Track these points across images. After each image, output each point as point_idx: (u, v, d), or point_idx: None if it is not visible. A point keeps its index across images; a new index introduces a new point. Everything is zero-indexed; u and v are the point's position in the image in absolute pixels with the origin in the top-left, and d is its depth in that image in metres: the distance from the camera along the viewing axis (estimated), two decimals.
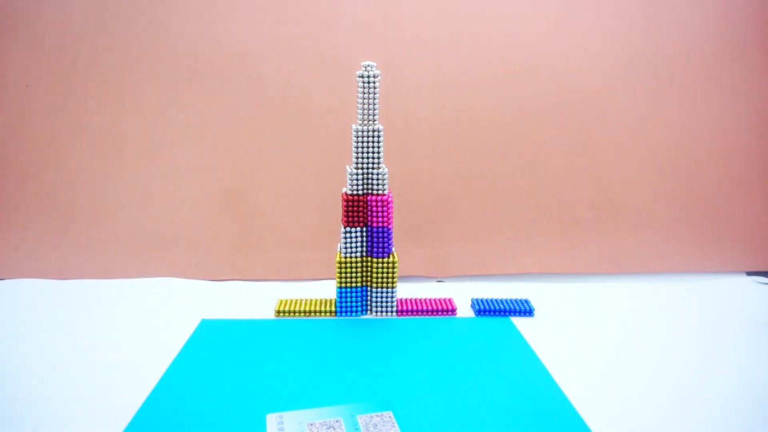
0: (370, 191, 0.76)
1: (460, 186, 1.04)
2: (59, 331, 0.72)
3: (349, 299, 0.78)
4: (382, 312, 0.79)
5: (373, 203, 0.75)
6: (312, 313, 0.78)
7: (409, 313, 0.79)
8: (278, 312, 0.78)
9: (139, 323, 0.75)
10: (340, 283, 0.77)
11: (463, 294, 0.85)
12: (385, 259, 0.77)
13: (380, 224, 0.75)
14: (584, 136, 1.06)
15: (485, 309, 0.79)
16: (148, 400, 0.57)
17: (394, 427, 0.52)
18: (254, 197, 1.03)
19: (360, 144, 0.74)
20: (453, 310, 0.79)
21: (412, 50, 1.06)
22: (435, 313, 0.79)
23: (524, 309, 0.79)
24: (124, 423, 0.53)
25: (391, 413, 0.54)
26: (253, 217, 1.02)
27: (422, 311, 0.79)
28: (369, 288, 0.79)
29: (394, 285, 0.78)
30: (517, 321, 0.77)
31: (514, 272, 0.98)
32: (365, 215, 0.76)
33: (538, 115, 1.06)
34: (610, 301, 0.85)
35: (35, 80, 1.05)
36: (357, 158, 0.75)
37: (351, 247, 0.77)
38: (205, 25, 1.06)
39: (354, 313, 0.78)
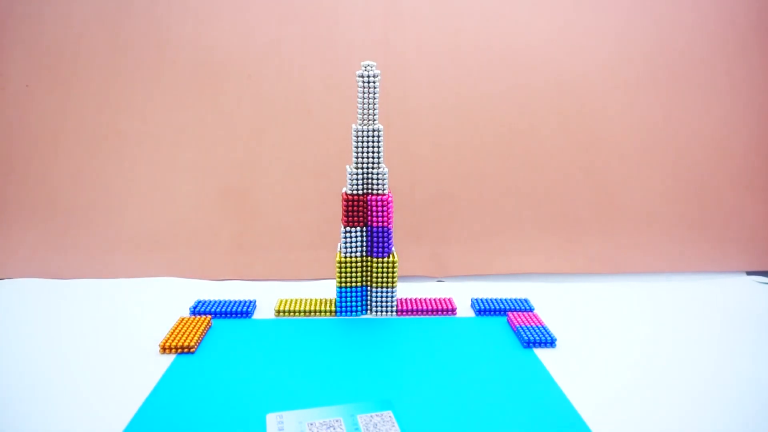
0: (370, 191, 0.76)
1: (460, 186, 1.04)
2: (59, 330, 0.72)
3: (349, 299, 0.78)
4: (382, 312, 0.79)
5: (373, 203, 0.75)
6: (312, 313, 0.78)
7: (409, 313, 0.79)
8: (278, 312, 0.78)
9: (139, 323, 0.75)
10: (340, 282, 0.77)
11: (463, 294, 0.85)
12: (385, 259, 0.77)
13: (380, 224, 0.75)
14: (584, 136, 1.06)
15: (485, 309, 0.79)
16: (147, 400, 0.57)
17: (394, 426, 0.52)
18: (254, 197, 1.03)
19: (360, 144, 0.74)
20: (453, 310, 0.79)
21: (412, 50, 1.06)
22: (435, 312, 0.79)
23: (524, 309, 0.79)
24: (124, 423, 0.53)
25: (391, 413, 0.54)
26: (253, 217, 1.02)
27: (422, 311, 0.79)
28: (369, 288, 0.79)
29: (394, 285, 0.78)
30: None
31: (514, 272, 0.98)
32: (365, 215, 0.76)
33: (538, 115, 1.06)
34: (610, 301, 0.85)
35: (35, 80, 1.05)
36: (357, 158, 0.75)
37: (351, 247, 0.77)
38: (205, 24, 1.06)
39: (354, 313, 0.78)
